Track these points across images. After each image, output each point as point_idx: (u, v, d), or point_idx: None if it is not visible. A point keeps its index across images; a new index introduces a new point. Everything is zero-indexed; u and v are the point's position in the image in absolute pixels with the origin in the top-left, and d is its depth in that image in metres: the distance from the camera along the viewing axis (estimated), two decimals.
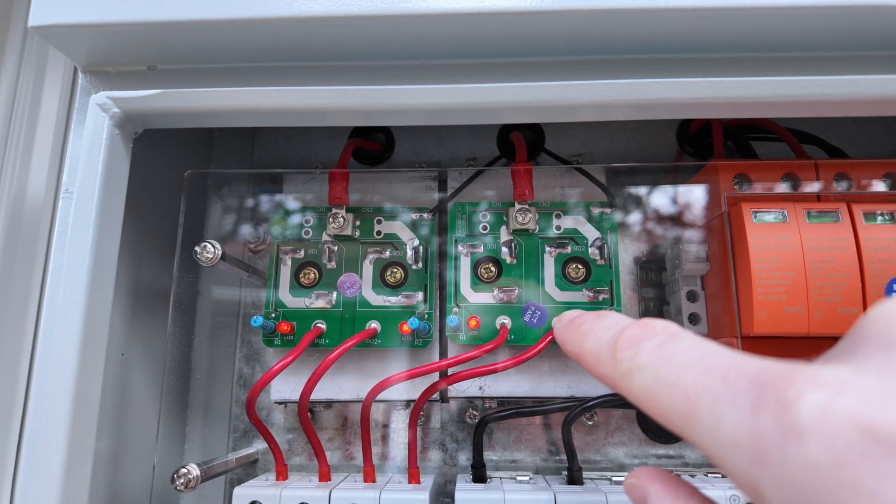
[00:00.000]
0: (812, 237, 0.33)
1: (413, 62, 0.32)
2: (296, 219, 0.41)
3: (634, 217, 0.44)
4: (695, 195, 0.41)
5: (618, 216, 0.41)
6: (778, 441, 0.11)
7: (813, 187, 0.36)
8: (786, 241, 0.33)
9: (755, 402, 0.12)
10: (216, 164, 0.48)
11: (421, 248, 0.40)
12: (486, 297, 0.39)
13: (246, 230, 0.46)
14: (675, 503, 0.16)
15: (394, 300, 0.39)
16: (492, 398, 0.41)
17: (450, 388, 0.39)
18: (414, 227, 0.41)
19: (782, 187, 0.37)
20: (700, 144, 0.45)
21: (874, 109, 0.30)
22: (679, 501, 0.16)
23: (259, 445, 0.44)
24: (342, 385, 0.40)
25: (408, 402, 0.42)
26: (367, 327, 0.39)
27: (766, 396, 0.12)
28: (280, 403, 0.42)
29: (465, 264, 0.40)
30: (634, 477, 0.17)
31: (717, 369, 0.13)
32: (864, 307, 0.32)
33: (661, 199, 0.43)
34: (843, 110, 0.31)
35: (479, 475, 0.38)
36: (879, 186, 0.36)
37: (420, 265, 0.40)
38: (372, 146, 0.46)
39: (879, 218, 0.34)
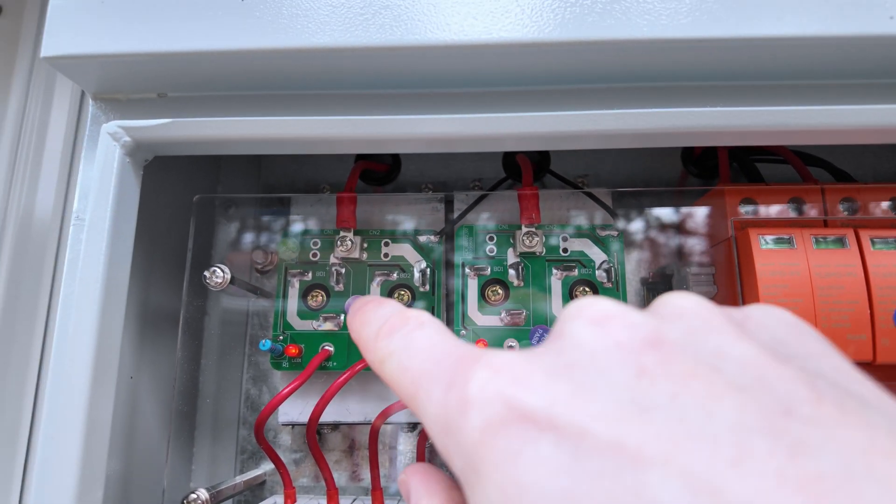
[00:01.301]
0: (820, 263, 0.33)
1: (419, 91, 0.32)
2: (303, 241, 0.42)
3: (641, 239, 0.44)
4: (701, 218, 0.41)
5: (624, 238, 0.41)
6: (455, 414, 0.13)
7: (819, 212, 0.36)
8: (793, 267, 0.33)
9: (450, 380, 0.13)
10: (223, 186, 0.49)
11: (428, 270, 0.40)
12: (493, 320, 0.39)
13: (253, 251, 0.46)
14: (431, 494, 0.17)
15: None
16: None
17: None
18: (421, 249, 0.41)
19: (788, 211, 0.37)
20: (705, 166, 0.45)
21: (881, 138, 0.30)
22: (435, 492, 0.17)
23: (266, 467, 0.44)
24: (349, 407, 0.40)
25: (414, 425, 0.42)
26: None
27: (456, 376, 0.13)
28: (287, 425, 0.42)
29: (473, 286, 0.40)
30: (403, 474, 0.18)
31: (438, 355, 0.15)
32: (873, 334, 0.32)
33: (667, 221, 0.43)
34: (849, 139, 0.31)
35: None
36: (886, 208, 0.36)
37: (427, 287, 0.40)
38: (378, 167, 0.46)
39: (881, 243, 0.34)
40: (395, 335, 0.16)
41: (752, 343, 0.12)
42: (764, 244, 0.34)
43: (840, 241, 0.34)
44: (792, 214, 0.37)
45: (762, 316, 0.14)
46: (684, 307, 0.14)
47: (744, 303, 0.35)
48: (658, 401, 0.11)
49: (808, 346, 0.13)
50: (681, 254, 0.43)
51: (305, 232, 0.42)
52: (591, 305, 0.14)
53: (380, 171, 0.46)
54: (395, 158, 0.47)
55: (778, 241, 0.34)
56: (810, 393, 0.11)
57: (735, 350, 0.12)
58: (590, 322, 0.13)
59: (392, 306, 0.18)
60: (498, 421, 0.12)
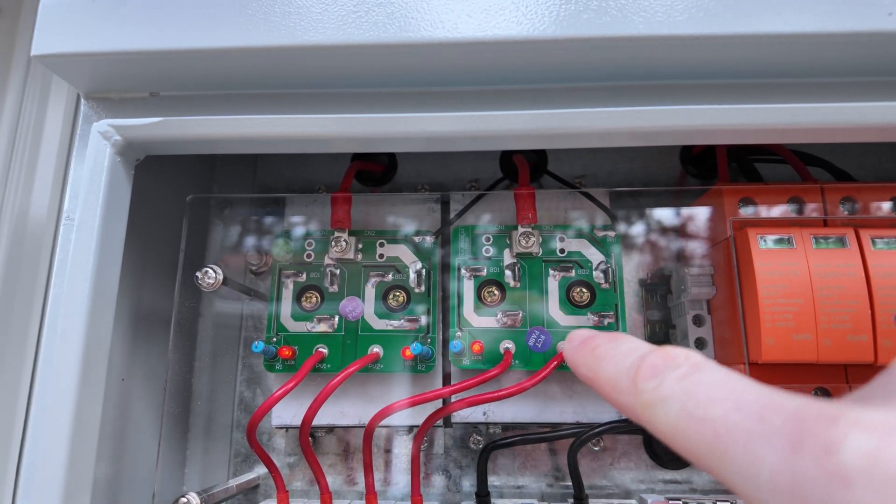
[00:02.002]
0: (819, 263, 0.33)
1: (415, 89, 0.32)
2: (298, 242, 0.41)
3: (639, 240, 0.44)
4: (700, 218, 0.41)
5: (622, 239, 0.40)
6: (821, 486, 0.11)
7: (819, 212, 0.36)
8: (793, 267, 0.33)
9: (794, 443, 0.12)
10: (218, 187, 0.48)
11: (424, 271, 0.40)
12: (489, 321, 0.39)
13: (248, 252, 0.45)
14: None
15: (396, 324, 0.39)
16: (496, 424, 0.40)
17: (453, 413, 0.38)
18: (417, 250, 0.41)
19: (788, 211, 0.37)
20: (704, 166, 0.44)
21: (881, 136, 0.30)
22: None
23: (260, 470, 0.43)
24: (344, 410, 0.40)
25: (410, 428, 0.42)
26: (369, 352, 0.38)
27: (805, 438, 0.11)
28: (281, 428, 0.42)
29: (469, 287, 0.39)
30: None
31: (749, 406, 0.13)
32: (874, 335, 0.32)
33: (665, 221, 0.43)
34: (849, 137, 0.30)
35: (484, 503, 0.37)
36: (887, 208, 0.36)
37: (423, 288, 0.40)
38: (374, 168, 0.46)
39: (882, 243, 0.33)
40: (666, 377, 0.15)
41: None
42: (763, 244, 0.34)
43: (840, 241, 0.33)
44: (791, 214, 0.37)
45: None
46: None
47: (743, 304, 0.34)
48: None
49: None
50: (680, 254, 0.42)
51: (299, 233, 0.42)
52: None
53: (376, 173, 0.46)
54: (392, 159, 0.47)
55: (777, 240, 0.34)
56: None
57: None
58: None
59: (634, 342, 0.17)
60: None
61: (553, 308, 0.39)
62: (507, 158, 0.45)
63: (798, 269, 0.33)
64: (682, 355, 0.16)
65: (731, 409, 0.13)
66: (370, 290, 0.40)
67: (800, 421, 0.12)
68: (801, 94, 0.30)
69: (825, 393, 0.34)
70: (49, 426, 0.28)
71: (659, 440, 0.16)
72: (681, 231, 0.43)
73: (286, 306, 0.40)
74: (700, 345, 0.39)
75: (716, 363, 0.15)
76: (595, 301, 0.39)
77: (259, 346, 0.37)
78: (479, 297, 0.39)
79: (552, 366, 0.36)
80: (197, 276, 0.35)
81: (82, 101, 0.33)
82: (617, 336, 0.18)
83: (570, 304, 0.39)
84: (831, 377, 0.34)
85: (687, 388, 0.14)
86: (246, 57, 0.30)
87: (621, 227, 0.41)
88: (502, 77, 0.31)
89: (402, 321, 0.39)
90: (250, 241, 0.46)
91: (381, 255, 0.41)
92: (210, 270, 0.35)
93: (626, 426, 0.36)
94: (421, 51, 0.29)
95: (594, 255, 0.39)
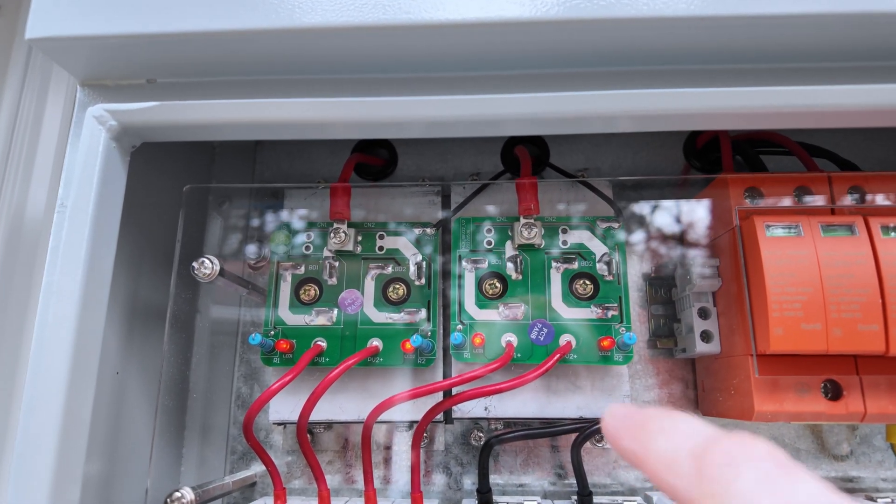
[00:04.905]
0: (828, 251, 0.32)
1: (415, 75, 0.31)
2: (296, 234, 0.41)
3: (642, 232, 0.43)
4: (704, 209, 0.40)
5: (625, 231, 0.40)
6: None
7: (827, 201, 0.35)
8: (801, 255, 0.32)
9: None
10: (216, 181, 0.48)
11: (424, 263, 0.39)
12: (491, 314, 0.38)
13: (245, 246, 0.45)
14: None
15: (396, 317, 0.38)
16: (498, 419, 0.40)
17: (454, 408, 0.38)
18: (417, 242, 0.40)
19: (794, 200, 0.36)
20: (708, 159, 0.44)
21: (886, 120, 0.29)
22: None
23: (257, 468, 0.42)
24: (343, 405, 0.39)
25: (411, 423, 0.41)
26: (368, 345, 0.38)
27: None
28: (279, 424, 0.41)
29: (470, 280, 0.39)
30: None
31: None
32: (885, 324, 0.31)
33: (669, 213, 0.42)
34: (855, 121, 0.30)
35: (486, 500, 0.36)
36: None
37: (423, 281, 0.39)
38: (374, 161, 0.45)
39: (892, 231, 0.33)
40: (743, 470, 0.13)
41: None
42: (770, 232, 0.33)
43: (849, 229, 0.33)
44: (798, 204, 0.36)
45: None
46: None
47: (750, 294, 0.34)
48: None
49: None
50: (684, 247, 0.42)
51: (298, 224, 0.41)
52: None
53: (375, 166, 0.46)
54: (391, 153, 0.46)
55: (785, 228, 0.33)
56: None
57: None
58: None
59: (696, 422, 0.15)
60: None
61: (556, 300, 0.38)
62: (509, 152, 0.45)
63: (806, 257, 0.32)
64: (764, 449, 0.14)
65: None
66: (370, 283, 0.39)
67: None
68: (808, 77, 0.30)
69: (834, 385, 0.33)
70: (39, 417, 0.28)
71: None
72: (685, 223, 0.42)
73: (284, 299, 0.39)
74: (706, 337, 0.38)
75: (804, 469, 0.13)
76: (598, 293, 0.38)
77: (256, 338, 0.36)
78: (480, 290, 0.38)
79: (555, 359, 0.35)
80: (193, 267, 0.34)
81: (78, 88, 0.33)
82: (673, 413, 0.16)
83: (573, 296, 0.38)
84: (841, 368, 0.33)
85: (771, 494, 0.12)
86: (244, 40, 0.29)
87: (624, 218, 0.40)
88: (504, 61, 0.31)
89: (402, 314, 0.38)
90: (248, 236, 0.45)
91: (381, 248, 0.40)
92: (206, 261, 0.34)
93: None
94: (422, 33, 0.28)
95: (597, 247, 0.39)
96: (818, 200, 0.35)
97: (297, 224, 0.41)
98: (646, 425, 0.16)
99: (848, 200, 0.36)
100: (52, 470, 0.27)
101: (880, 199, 0.35)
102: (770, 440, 0.14)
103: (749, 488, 0.13)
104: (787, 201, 0.36)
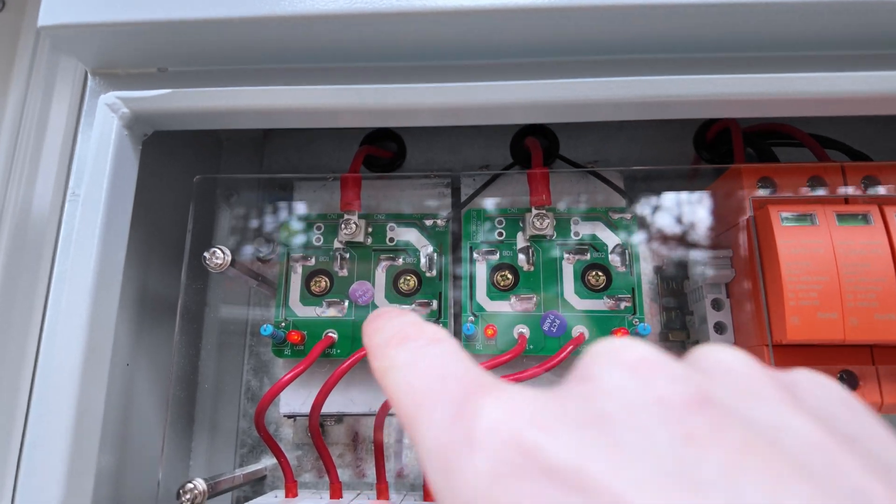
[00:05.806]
0: (844, 240, 0.32)
1: (426, 63, 0.31)
2: (307, 226, 0.40)
3: (654, 223, 0.43)
4: (717, 200, 0.40)
5: (637, 222, 0.40)
6: (456, 450, 0.11)
7: (842, 191, 0.35)
8: (816, 244, 0.32)
9: (457, 410, 0.12)
10: (225, 173, 0.48)
11: (435, 255, 0.39)
12: (503, 306, 0.38)
13: (255, 238, 0.45)
14: None
15: (407, 309, 0.38)
16: None
17: None
18: (428, 233, 0.40)
19: (808, 191, 0.36)
20: (718, 152, 0.44)
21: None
22: None
23: (267, 462, 0.42)
24: (354, 398, 0.38)
25: None
26: None
27: (464, 406, 0.11)
28: (289, 417, 0.41)
29: (481, 272, 0.38)
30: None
31: (447, 376, 0.13)
32: None
33: (681, 204, 0.42)
34: (865, 108, 0.30)
35: None
36: None
37: (434, 273, 0.39)
38: (383, 154, 0.45)
39: None
40: (406, 346, 0.15)
41: (811, 418, 0.11)
42: (784, 221, 0.33)
43: (864, 218, 0.33)
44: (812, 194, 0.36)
45: (811, 385, 0.12)
46: (729, 364, 0.12)
47: (765, 284, 0.33)
48: (711, 476, 0.09)
49: (865, 428, 0.12)
50: (696, 238, 0.42)
51: (308, 216, 0.41)
52: (626, 348, 0.12)
53: (384, 158, 0.45)
54: (401, 146, 0.46)
55: (799, 218, 0.33)
56: (887, 490, 0.09)
57: (793, 424, 0.10)
58: (626, 368, 0.11)
59: (410, 317, 0.16)
60: (511, 469, 0.10)
61: (568, 292, 0.38)
62: (518, 144, 0.45)
63: (822, 246, 0.32)
64: (431, 330, 0.15)
65: (435, 378, 0.13)
66: (380, 275, 0.39)
67: (466, 390, 0.12)
68: (817, 64, 0.30)
69: (850, 375, 0.33)
70: (51, 411, 0.28)
71: None
72: (697, 213, 0.42)
73: (295, 291, 0.39)
74: (720, 329, 0.38)
75: (456, 343, 0.14)
76: (611, 284, 0.38)
77: (268, 328, 0.36)
78: (491, 282, 0.38)
79: (568, 350, 0.35)
80: (205, 257, 0.34)
81: (89, 77, 0.33)
82: (402, 311, 0.17)
83: (585, 287, 0.38)
84: (857, 359, 0.33)
85: (414, 359, 0.14)
86: (255, 26, 0.29)
87: (636, 210, 0.40)
88: (514, 49, 0.31)
89: (414, 306, 0.38)
90: (258, 228, 0.45)
91: (392, 239, 0.40)
92: (218, 251, 0.34)
93: None
94: (432, 20, 0.28)
95: (609, 238, 0.39)
96: (832, 190, 0.35)
97: (308, 216, 0.41)
98: (375, 322, 0.16)
99: (863, 190, 0.35)
100: (66, 461, 0.27)
101: (895, 190, 0.35)
102: None
103: (403, 359, 0.14)
104: (800, 191, 0.36)
